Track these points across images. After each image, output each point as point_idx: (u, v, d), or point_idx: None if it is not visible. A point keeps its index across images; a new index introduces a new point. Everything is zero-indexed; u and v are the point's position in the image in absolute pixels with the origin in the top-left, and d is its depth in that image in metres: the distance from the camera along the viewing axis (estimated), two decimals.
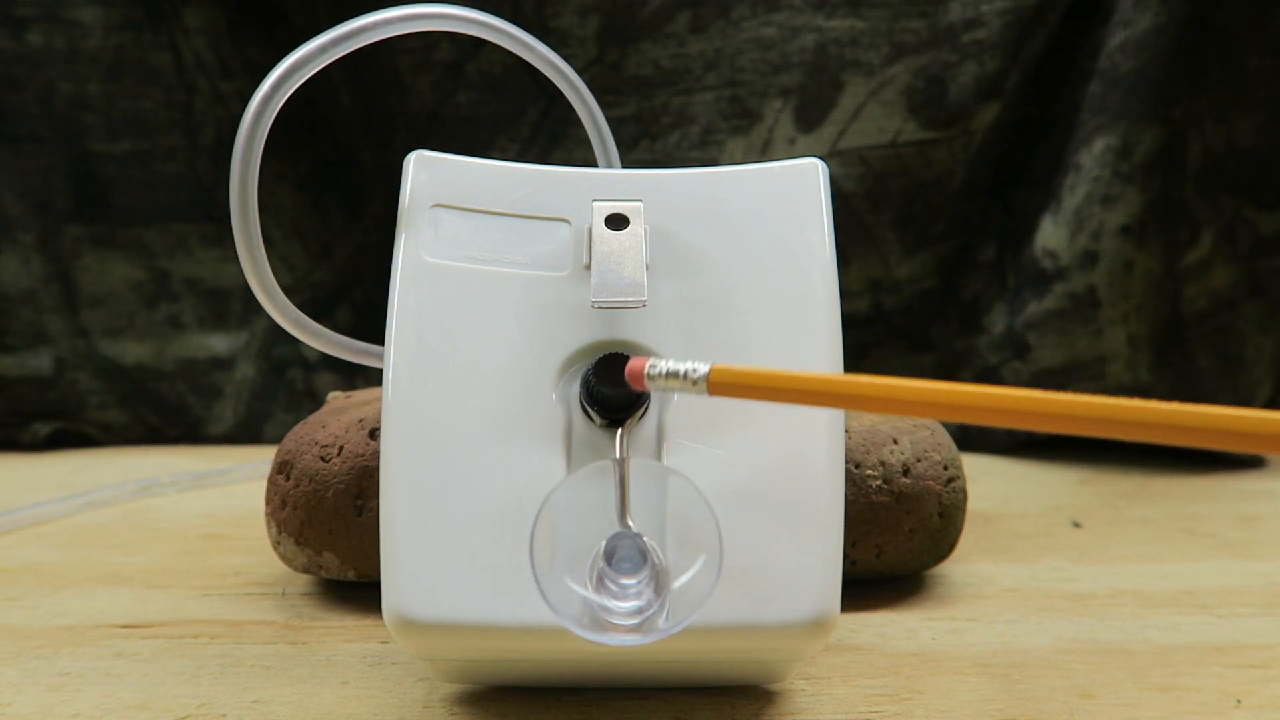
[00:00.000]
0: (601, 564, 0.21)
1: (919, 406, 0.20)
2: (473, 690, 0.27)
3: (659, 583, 0.21)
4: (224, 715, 0.26)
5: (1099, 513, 0.49)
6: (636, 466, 0.23)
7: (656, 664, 0.25)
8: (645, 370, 0.23)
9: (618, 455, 0.24)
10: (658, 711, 0.26)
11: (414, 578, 0.23)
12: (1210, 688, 0.28)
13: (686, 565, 0.22)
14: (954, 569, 0.39)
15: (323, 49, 0.27)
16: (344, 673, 0.29)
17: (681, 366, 0.23)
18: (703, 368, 0.22)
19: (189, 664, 0.29)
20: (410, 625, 0.23)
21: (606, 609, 0.21)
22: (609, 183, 0.28)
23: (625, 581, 0.21)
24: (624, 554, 0.21)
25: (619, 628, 0.21)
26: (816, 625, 0.23)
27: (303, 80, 0.27)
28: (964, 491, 0.36)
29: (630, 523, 0.22)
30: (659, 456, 0.24)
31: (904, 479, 0.35)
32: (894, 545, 0.35)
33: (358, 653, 0.30)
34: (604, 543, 0.22)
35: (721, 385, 0.22)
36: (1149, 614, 0.34)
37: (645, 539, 0.22)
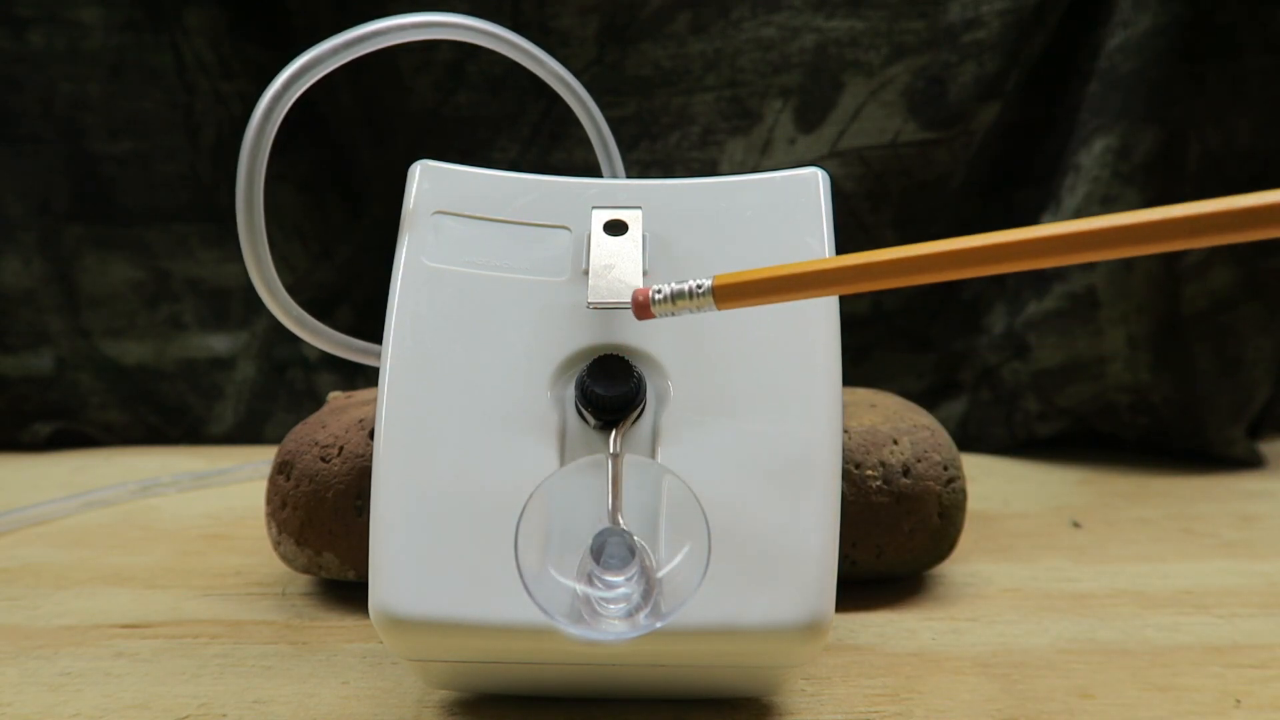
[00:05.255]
0: (589, 560, 0.21)
1: (917, 272, 0.20)
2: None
3: (647, 580, 0.21)
4: (224, 715, 0.26)
5: (1099, 513, 0.49)
6: (629, 463, 0.23)
7: (647, 671, 0.24)
8: (650, 297, 0.23)
9: (612, 452, 0.23)
10: (658, 711, 0.26)
11: (402, 575, 0.23)
12: (1210, 688, 0.28)
13: (674, 561, 0.22)
14: (954, 569, 0.39)
15: (335, 50, 0.27)
16: (344, 673, 0.29)
17: (685, 285, 0.23)
18: (705, 281, 0.22)
19: (189, 664, 0.29)
20: (397, 623, 0.23)
21: (593, 604, 0.21)
22: (610, 192, 0.28)
23: (613, 578, 0.21)
24: (612, 550, 0.21)
25: (604, 622, 0.21)
26: (809, 629, 0.23)
27: (315, 79, 0.27)
28: (964, 492, 0.36)
29: (620, 519, 0.22)
30: (653, 457, 0.24)
31: (904, 479, 0.35)
32: (894, 545, 0.35)
33: (358, 653, 0.30)
34: (592, 539, 0.21)
35: (727, 293, 0.22)
36: (1149, 614, 0.34)
37: (634, 536, 0.22)
